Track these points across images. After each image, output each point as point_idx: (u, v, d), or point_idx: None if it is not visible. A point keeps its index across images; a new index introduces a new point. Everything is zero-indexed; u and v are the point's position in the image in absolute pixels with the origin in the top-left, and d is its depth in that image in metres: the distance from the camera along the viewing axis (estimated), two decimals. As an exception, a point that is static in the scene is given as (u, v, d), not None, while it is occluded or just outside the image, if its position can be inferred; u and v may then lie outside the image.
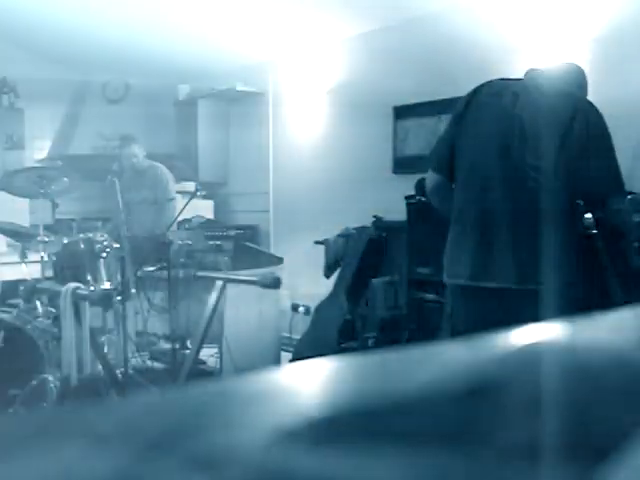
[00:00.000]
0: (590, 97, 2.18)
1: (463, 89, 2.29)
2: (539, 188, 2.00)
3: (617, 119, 2.17)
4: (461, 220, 2.15)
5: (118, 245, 3.14)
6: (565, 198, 2.03)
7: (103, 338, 3.25)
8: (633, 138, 2.94)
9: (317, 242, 4.33)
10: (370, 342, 3.72)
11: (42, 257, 3.23)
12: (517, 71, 2.33)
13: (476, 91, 2.18)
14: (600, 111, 2.07)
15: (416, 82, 4.16)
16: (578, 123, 2.01)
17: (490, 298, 2.06)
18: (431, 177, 2.27)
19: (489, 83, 2.19)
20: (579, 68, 2.26)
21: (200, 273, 3.47)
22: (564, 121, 2.01)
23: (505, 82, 2.21)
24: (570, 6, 3.41)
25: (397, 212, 3.71)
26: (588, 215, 2.20)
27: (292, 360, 4.03)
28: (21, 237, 3.40)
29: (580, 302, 1.90)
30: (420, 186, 3.39)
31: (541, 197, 1.99)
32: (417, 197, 3.44)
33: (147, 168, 4.43)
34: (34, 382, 2.77)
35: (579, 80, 2.22)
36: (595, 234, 2.34)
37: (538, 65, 2.29)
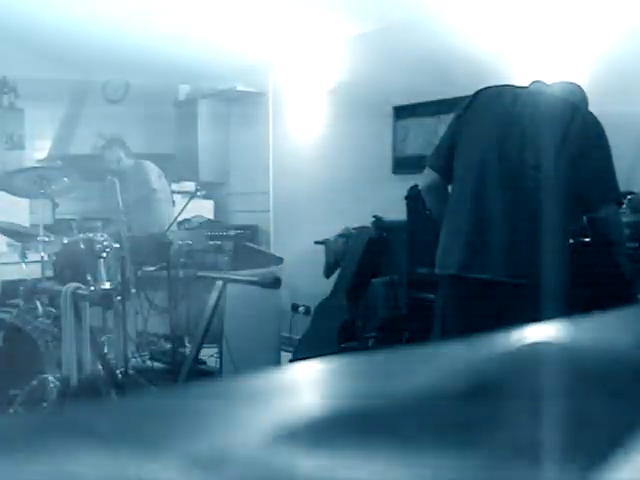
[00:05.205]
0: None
1: (463, 89, 2.29)
2: (536, 187, 2.00)
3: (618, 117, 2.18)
4: (456, 213, 2.15)
5: (118, 245, 3.14)
6: (561, 199, 2.03)
7: (103, 338, 3.25)
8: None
9: (317, 242, 4.33)
10: (370, 342, 3.72)
11: (42, 257, 3.23)
12: (516, 71, 2.33)
13: (478, 92, 2.19)
14: (599, 120, 2.08)
15: (416, 82, 4.15)
16: (577, 127, 2.02)
17: (480, 290, 2.05)
18: (427, 175, 2.24)
19: (492, 86, 2.20)
20: (580, 87, 2.32)
21: (200, 273, 3.47)
22: (563, 123, 2.02)
23: (508, 86, 2.23)
24: (570, 12, 3.41)
25: (397, 212, 3.71)
26: (583, 219, 2.20)
27: (292, 360, 4.03)
28: (21, 237, 3.40)
29: (568, 302, 1.90)
30: (412, 194, 3.39)
31: (538, 196, 1.99)
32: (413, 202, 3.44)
33: (130, 167, 4.36)
34: (34, 382, 2.77)
35: (580, 95, 2.28)
36: (588, 239, 2.35)
37: (539, 74, 2.31)
